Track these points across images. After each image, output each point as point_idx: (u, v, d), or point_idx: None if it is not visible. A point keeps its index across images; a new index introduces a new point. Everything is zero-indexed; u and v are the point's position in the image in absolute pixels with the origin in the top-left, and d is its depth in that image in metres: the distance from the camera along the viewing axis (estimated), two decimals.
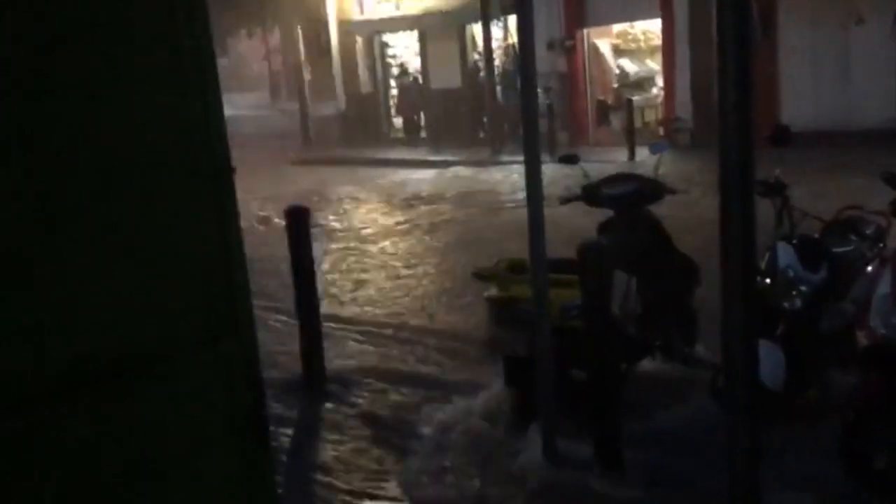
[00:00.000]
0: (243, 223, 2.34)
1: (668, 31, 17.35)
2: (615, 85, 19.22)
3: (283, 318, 7.55)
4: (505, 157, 17.78)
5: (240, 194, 2.36)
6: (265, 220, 12.53)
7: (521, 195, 5.01)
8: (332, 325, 7.44)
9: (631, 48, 19.79)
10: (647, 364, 5.54)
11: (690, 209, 8.89)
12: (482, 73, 20.15)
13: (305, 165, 20.26)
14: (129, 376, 2.01)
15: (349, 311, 8.15)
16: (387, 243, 11.20)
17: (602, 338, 4.54)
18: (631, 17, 18.78)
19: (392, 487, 4.71)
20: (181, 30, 2.08)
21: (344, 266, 10.06)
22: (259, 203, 13.80)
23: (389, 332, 7.39)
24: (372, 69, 23.61)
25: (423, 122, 22.97)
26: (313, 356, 6.22)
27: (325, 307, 7.03)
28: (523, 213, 4.68)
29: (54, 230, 1.89)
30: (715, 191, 2.59)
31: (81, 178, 1.93)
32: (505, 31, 20.52)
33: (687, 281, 5.46)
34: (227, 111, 2.41)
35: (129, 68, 2.01)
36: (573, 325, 4.85)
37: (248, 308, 2.20)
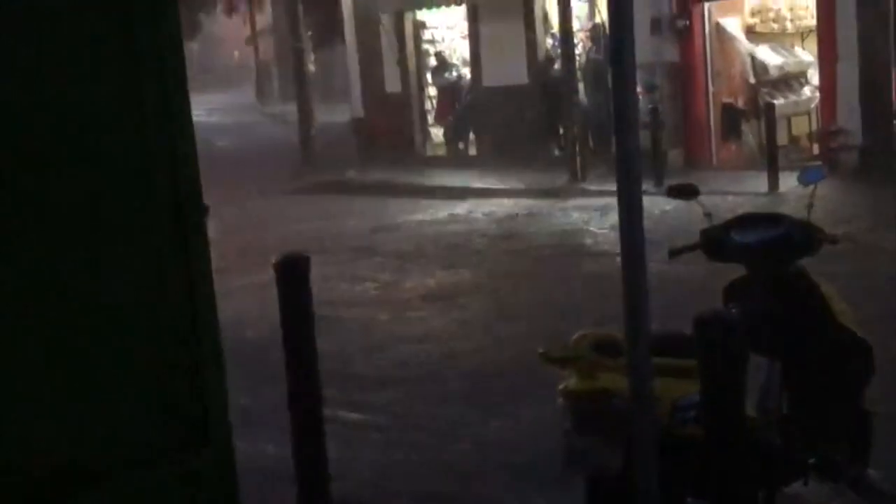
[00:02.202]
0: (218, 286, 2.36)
1: (826, 5, 17.33)
2: (751, 82, 19.20)
3: (277, 402, 7.54)
4: (590, 186, 17.79)
5: (212, 235, 2.39)
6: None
7: (614, 242, 5.00)
8: (342, 414, 7.46)
9: (772, 30, 19.79)
10: (796, 490, 5.46)
11: (859, 263, 8.78)
12: (558, 66, 20.28)
13: (306, 194, 20.45)
14: (61, 501, 2.02)
15: (365, 397, 8.16)
16: (421, 312, 11.23)
17: (731, 450, 4.50)
18: None
19: None
20: (133, 6, 2.13)
21: (358, 343, 10.09)
22: (235, 254, 13.95)
23: (423, 434, 7.37)
24: (402, 60, 23.88)
25: (471, 135, 23.12)
26: (314, 475, 6.19)
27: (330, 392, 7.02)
28: (616, 268, 4.65)
29: None
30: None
31: None
32: (591, 6, 20.67)
33: (856, 369, 5.40)
34: (197, 116, 2.46)
35: (57, 58, 2.04)
36: (689, 432, 4.81)
37: (223, 407, 2.21)
